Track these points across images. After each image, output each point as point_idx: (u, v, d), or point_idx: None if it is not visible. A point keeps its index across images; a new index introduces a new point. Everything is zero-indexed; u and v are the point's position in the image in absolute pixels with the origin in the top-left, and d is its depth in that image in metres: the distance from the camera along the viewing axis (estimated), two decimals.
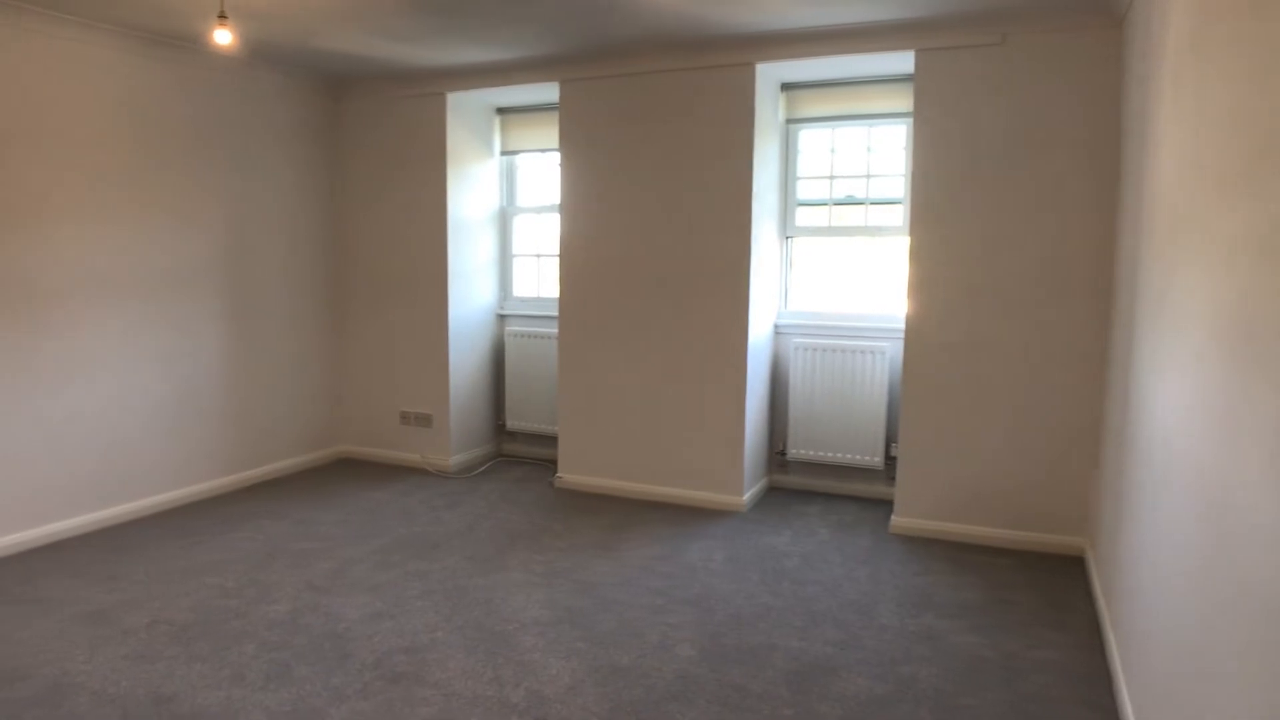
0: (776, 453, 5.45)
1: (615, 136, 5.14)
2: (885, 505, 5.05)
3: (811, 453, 5.31)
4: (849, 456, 5.22)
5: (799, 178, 5.37)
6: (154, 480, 4.90)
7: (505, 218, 6.21)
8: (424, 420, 5.90)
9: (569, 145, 5.27)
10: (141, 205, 4.74)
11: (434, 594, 3.78)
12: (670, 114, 4.98)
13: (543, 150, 6.01)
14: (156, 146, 4.79)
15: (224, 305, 5.25)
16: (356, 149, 5.94)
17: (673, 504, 5.12)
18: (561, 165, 5.31)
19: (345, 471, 5.84)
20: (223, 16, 3.67)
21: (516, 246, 6.24)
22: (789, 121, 5.30)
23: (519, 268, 6.26)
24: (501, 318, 6.24)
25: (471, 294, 5.95)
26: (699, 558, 4.26)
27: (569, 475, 5.46)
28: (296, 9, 4.13)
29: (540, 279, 6.19)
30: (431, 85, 5.60)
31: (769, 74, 4.89)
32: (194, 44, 4.81)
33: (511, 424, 6.20)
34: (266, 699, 2.90)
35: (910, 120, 4.85)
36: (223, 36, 3.74)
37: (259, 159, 5.41)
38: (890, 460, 5.12)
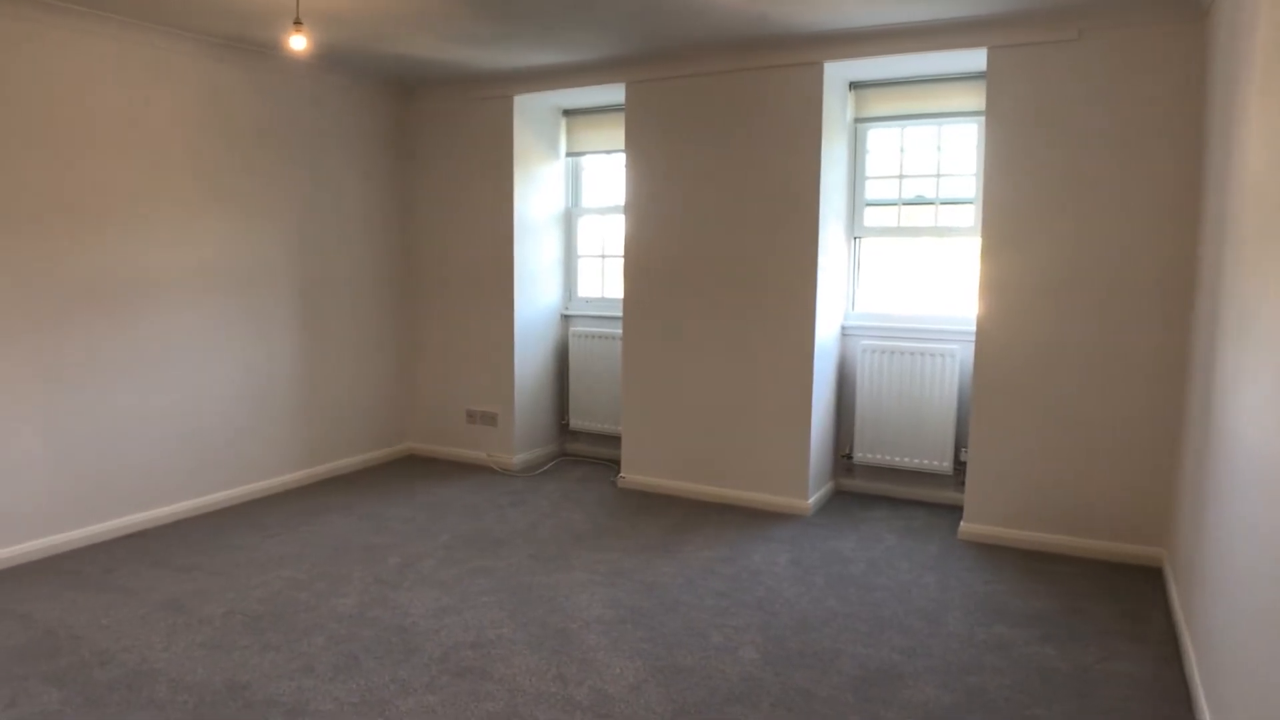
0: (842, 456, 5.39)
1: (681, 137, 5.14)
2: (954, 511, 4.96)
3: (878, 457, 5.24)
4: (917, 461, 5.14)
5: (867, 177, 5.30)
6: (229, 474, 5.03)
7: (570, 219, 6.25)
8: (489, 419, 5.96)
9: (635, 146, 5.29)
10: (219, 205, 4.88)
11: (499, 591, 3.82)
12: (736, 114, 4.96)
13: (608, 151, 6.03)
14: (233, 148, 4.93)
15: (297, 304, 5.37)
16: (424, 151, 6.03)
17: (736, 506, 5.10)
18: (627, 166, 5.33)
19: (412, 468, 5.93)
20: (298, 23, 3.75)
21: (581, 247, 6.28)
22: (857, 120, 5.23)
23: (583, 268, 6.30)
24: (566, 318, 6.28)
25: (537, 294, 6.00)
26: (763, 561, 4.24)
27: (631, 475, 5.47)
28: (369, 15, 4.21)
29: (604, 280, 6.21)
30: (499, 88, 5.66)
31: (837, 73, 4.84)
32: (268, 49, 4.93)
33: (574, 423, 6.23)
34: (336, 690, 2.96)
35: (982, 119, 4.77)
36: (298, 42, 3.82)
37: (330, 161, 5.53)
38: (959, 465, 5.02)
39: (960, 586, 3.95)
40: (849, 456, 5.36)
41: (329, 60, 5.26)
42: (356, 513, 4.91)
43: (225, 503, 5.00)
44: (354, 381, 5.82)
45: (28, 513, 4.11)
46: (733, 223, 5.02)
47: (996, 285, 4.41)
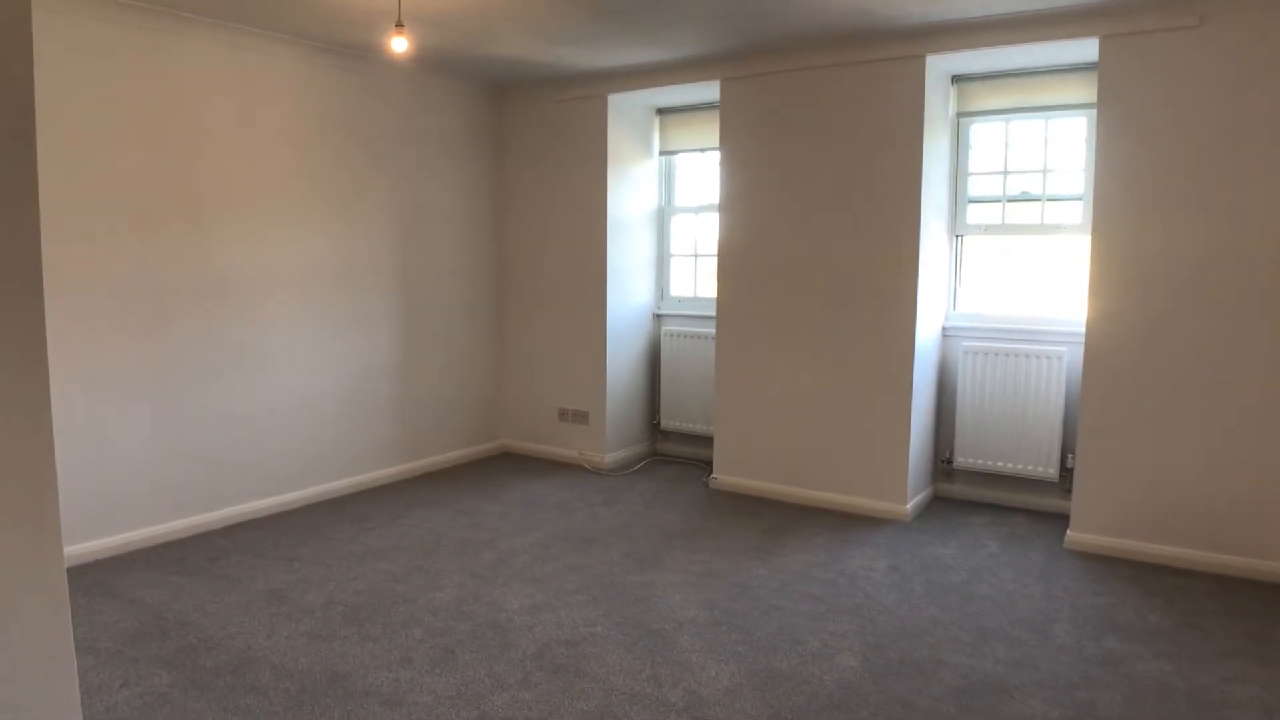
0: (942, 461, 5.24)
1: (776, 134, 5.07)
2: (1058, 519, 4.77)
3: (980, 461, 5.08)
4: (1020, 467, 4.97)
5: (970, 174, 5.15)
6: (331, 469, 5.16)
7: (663, 217, 6.23)
8: (581, 417, 5.98)
9: (729, 143, 5.24)
10: (325, 206, 5.01)
11: (591, 589, 3.82)
12: (834, 110, 4.87)
13: (701, 149, 5.99)
14: (337, 150, 5.05)
15: (397, 303, 5.48)
16: (519, 151, 6.09)
17: (831, 510, 5.00)
18: (721, 164, 5.28)
19: (506, 465, 5.99)
20: (400, 25, 3.82)
21: (674, 246, 6.25)
22: (960, 115, 5.08)
23: (676, 267, 6.27)
24: (658, 317, 6.26)
25: (629, 293, 5.99)
26: (860, 566, 4.14)
27: (724, 476, 5.42)
28: (469, 16, 4.26)
29: (697, 279, 6.18)
30: (593, 88, 5.68)
31: (939, 66, 4.71)
32: (370, 53, 5.04)
33: (666, 423, 6.21)
34: (433, 682, 2.99)
35: (1092, 112, 4.58)
36: (399, 44, 3.89)
37: (427, 162, 5.63)
38: (1065, 472, 4.83)
39: (1067, 597, 3.79)
40: (949, 461, 5.21)
41: (428, 63, 5.35)
42: (452, 508, 4.97)
43: (326, 495, 5.12)
44: (450, 379, 5.91)
45: (138, 501, 4.28)
46: (830, 221, 4.93)
47: (1110, 284, 4.23)
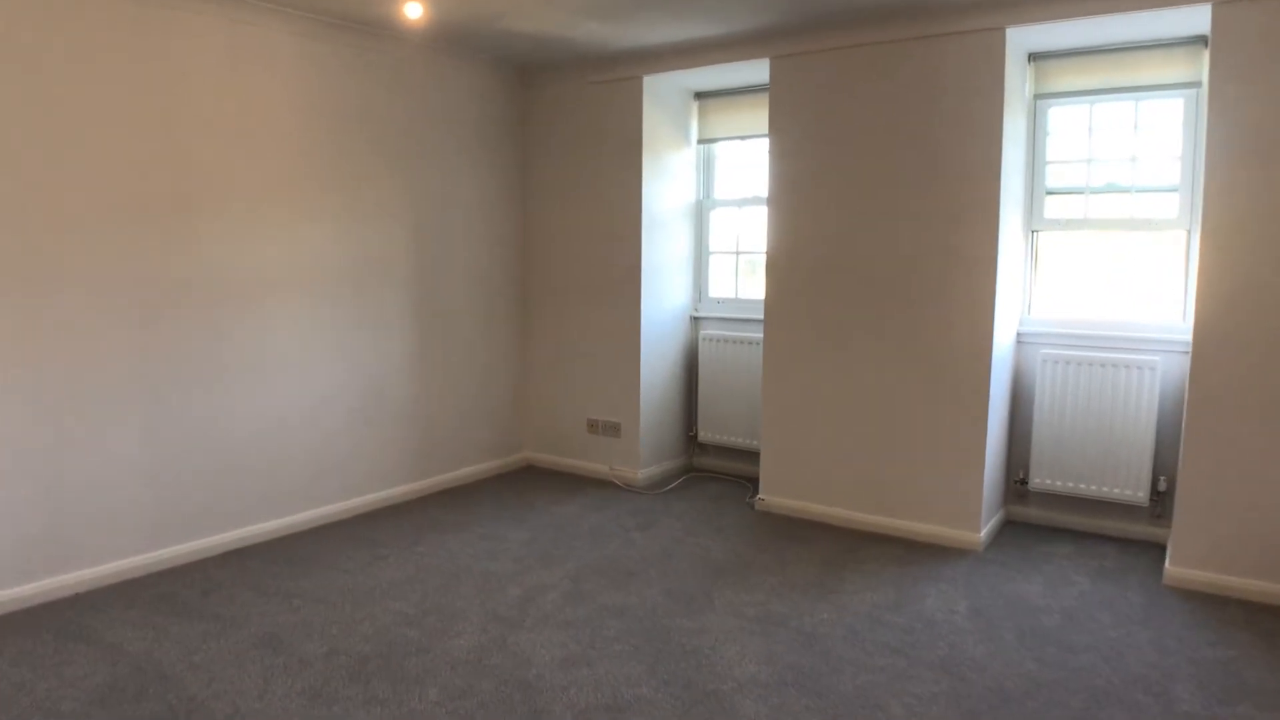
0: (1015, 481, 4.72)
1: (834, 118, 4.55)
2: (1151, 549, 4.25)
3: (1059, 483, 4.55)
4: (1105, 489, 4.44)
5: (1047, 162, 4.62)
6: (338, 486, 4.69)
7: (701, 211, 5.72)
8: (612, 429, 5.49)
9: (780, 129, 4.73)
10: (327, 198, 4.53)
11: (633, 635, 3.32)
12: (900, 91, 4.35)
13: (743, 137, 5.48)
14: (343, 136, 4.58)
15: (410, 304, 5.00)
16: (545, 139, 5.59)
17: (894, 537, 4.49)
18: (771, 152, 4.77)
19: (530, 481, 5.51)
20: None
21: (713, 243, 5.75)
22: (1037, 97, 4.56)
23: (715, 266, 5.76)
24: (695, 320, 5.76)
25: (664, 294, 5.49)
26: (937, 608, 3.63)
27: (771, 497, 4.91)
28: None
29: (738, 278, 5.67)
30: (626, 69, 5.18)
31: (1016, 41, 4.18)
32: (380, 29, 4.54)
33: (703, 436, 5.71)
34: None
35: (1191, 92, 4.06)
36: (413, 10, 3.43)
37: (443, 150, 5.14)
38: (1156, 496, 4.31)
39: (1182, 649, 3.26)
40: (1023, 482, 4.69)
41: (444, 41, 4.87)
42: (472, 532, 4.50)
43: (334, 517, 4.66)
44: (469, 387, 5.43)
45: (123, 526, 3.82)
46: (894, 214, 4.42)
47: (1222, 285, 3.69)
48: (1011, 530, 4.60)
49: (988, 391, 4.25)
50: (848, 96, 4.50)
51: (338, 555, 4.14)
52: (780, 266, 4.78)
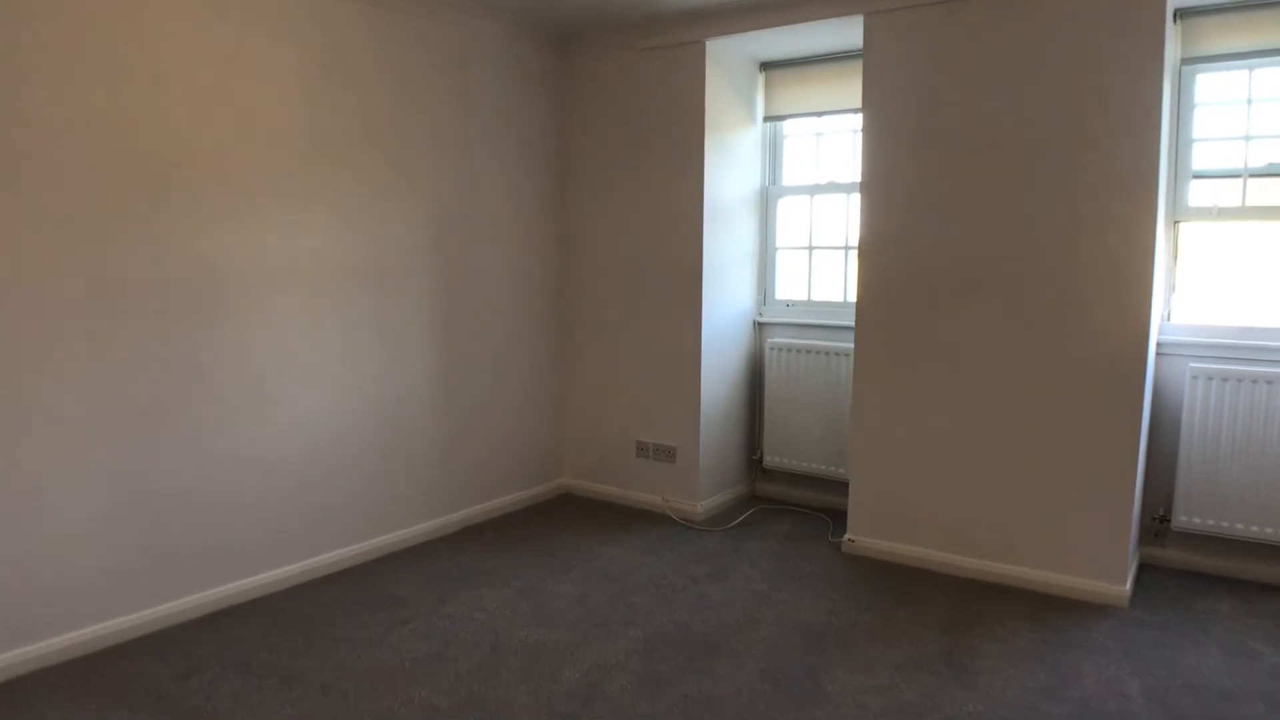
0: (1153, 519, 3.95)
1: (942, 87, 3.78)
2: None
3: (1209, 522, 3.78)
4: (1269, 531, 3.67)
5: (1194, 140, 3.85)
6: (349, 528, 3.93)
7: (766, 200, 4.95)
8: (666, 454, 4.72)
9: (875, 102, 3.95)
10: (334, 183, 3.77)
11: None
12: (1025, 54, 3.58)
13: (818, 113, 4.70)
14: (351, 109, 3.82)
15: (432, 309, 4.24)
16: (589, 117, 4.83)
17: (1017, 588, 3.72)
18: (865, 129, 3.99)
19: (570, 513, 4.74)
20: None
21: (780, 237, 4.97)
22: (1183, 62, 3.78)
23: (783, 263, 4.99)
24: (760, 326, 4.99)
25: (725, 296, 4.72)
26: (1100, 690, 2.86)
27: (862, 538, 4.14)
28: None
29: (811, 278, 4.89)
30: (685, 31, 4.41)
31: None
32: None
33: (769, 460, 4.93)
34: None
35: None
36: None
37: (473, 129, 4.38)
38: None
39: None
40: (1164, 520, 3.92)
41: (472, 1, 4.12)
42: (510, 585, 3.73)
43: (344, 563, 3.91)
44: (500, 405, 4.66)
45: (82, 592, 3.07)
46: (1017, 202, 3.65)
47: None
48: (1151, 578, 3.82)
49: (1141, 416, 3.48)
50: (959, 61, 3.73)
51: (349, 618, 3.39)
52: (876, 264, 4.01)
